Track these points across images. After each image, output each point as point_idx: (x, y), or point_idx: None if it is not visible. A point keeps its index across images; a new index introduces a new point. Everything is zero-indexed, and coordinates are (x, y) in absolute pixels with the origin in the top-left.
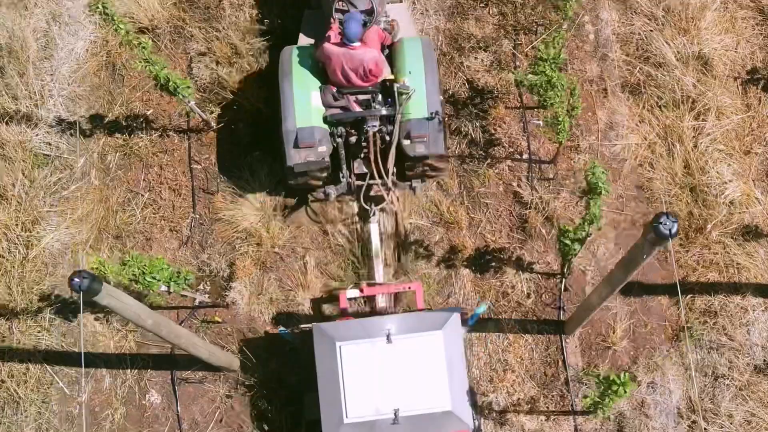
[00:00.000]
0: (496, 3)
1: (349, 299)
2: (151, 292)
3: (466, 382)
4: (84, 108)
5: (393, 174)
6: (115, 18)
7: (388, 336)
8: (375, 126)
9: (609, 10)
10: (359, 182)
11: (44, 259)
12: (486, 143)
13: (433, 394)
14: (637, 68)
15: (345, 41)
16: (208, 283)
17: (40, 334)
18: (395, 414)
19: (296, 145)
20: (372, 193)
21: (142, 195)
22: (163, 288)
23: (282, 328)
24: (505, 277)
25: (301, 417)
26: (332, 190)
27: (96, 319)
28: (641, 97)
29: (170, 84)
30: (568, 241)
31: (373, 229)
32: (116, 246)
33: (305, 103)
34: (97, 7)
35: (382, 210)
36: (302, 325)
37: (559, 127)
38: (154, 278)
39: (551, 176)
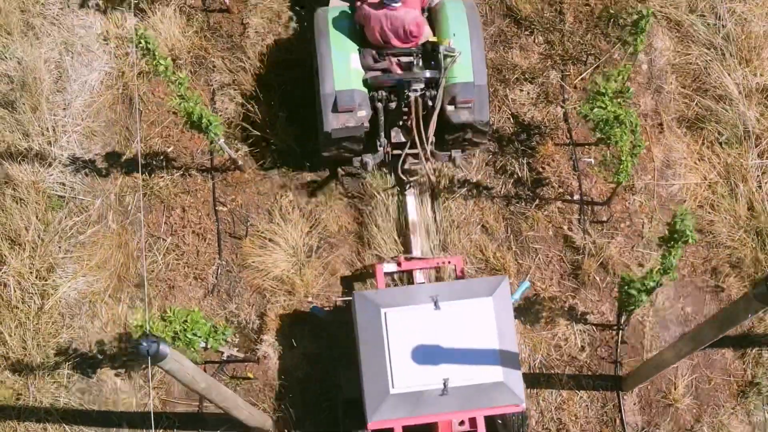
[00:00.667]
0: (542, 31)
1: (386, 274)
2: (192, 350)
3: (517, 354)
4: (99, 145)
5: (432, 144)
6: (157, 53)
7: (435, 302)
8: (417, 90)
9: (663, 38)
10: (396, 152)
11: (60, 309)
12: (534, 183)
13: (483, 365)
14: (695, 101)
15: (385, 2)
16: (236, 335)
17: (58, 391)
18: (444, 384)
19: (335, 110)
20: (407, 166)
21: (164, 239)
22: (201, 344)
23: (314, 304)
24: (557, 328)
25: (336, 398)
26: (370, 159)
27: (117, 375)
28: (700, 133)
29: (203, 122)
30: (634, 291)
31: (410, 201)
32: (137, 296)
33: (344, 65)
34: (139, 42)
35: (419, 182)
36: (339, 299)
37: (621, 167)
38: (195, 335)
39: (605, 219)
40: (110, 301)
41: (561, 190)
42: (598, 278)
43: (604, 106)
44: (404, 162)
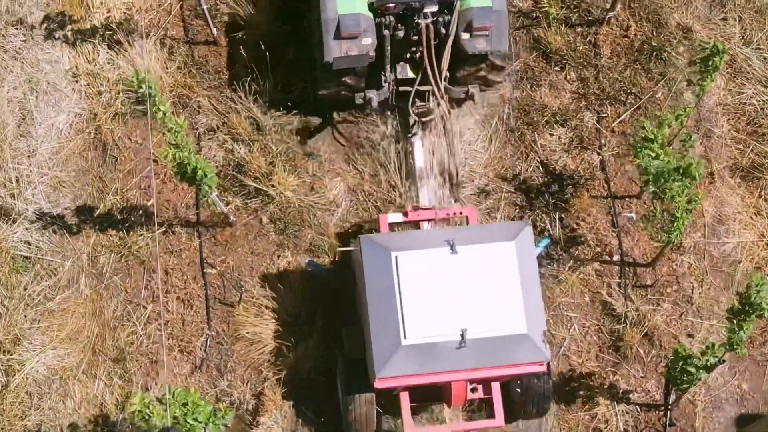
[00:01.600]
0: (575, 66)
1: (391, 225)
2: None
3: (542, 305)
4: (69, 198)
5: (445, 79)
6: (157, 99)
7: (452, 245)
8: (429, 15)
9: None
10: (404, 88)
11: (28, 388)
12: (567, 241)
13: (505, 315)
14: (751, 147)
15: None
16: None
17: None
18: (462, 336)
19: (337, 36)
20: (415, 109)
21: (145, 307)
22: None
23: (310, 259)
24: (596, 409)
25: (336, 357)
26: (374, 95)
27: None
28: (757, 184)
29: (198, 173)
30: (692, 369)
31: (417, 145)
32: (115, 372)
33: None
34: (140, 87)
35: (430, 122)
36: (342, 248)
37: (674, 225)
38: (196, 419)
39: (649, 283)
40: (84, 378)
41: (598, 249)
42: (642, 351)
43: (653, 154)
44: (413, 102)
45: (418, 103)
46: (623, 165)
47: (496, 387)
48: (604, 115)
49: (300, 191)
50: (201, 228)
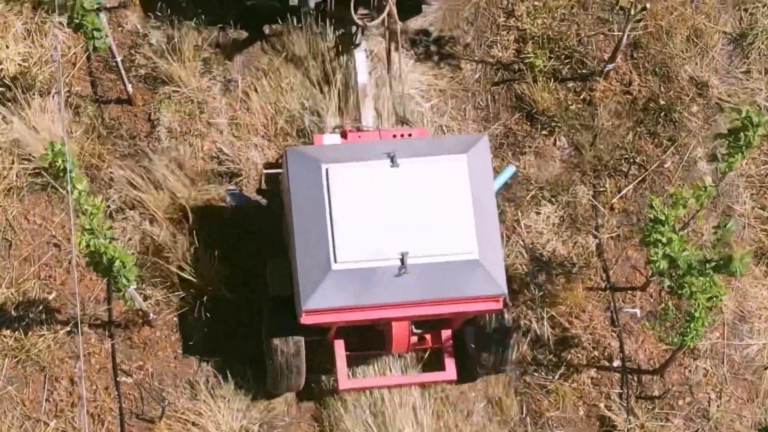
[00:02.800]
0: (566, 130)
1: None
2: None
3: (498, 231)
4: None
5: None
6: (74, 174)
7: (392, 158)
8: None
9: None
10: None
11: None
12: (558, 343)
13: (453, 238)
14: None
15: None
16: None
17: None
18: (402, 260)
19: None
20: (357, 15)
21: (47, 423)
22: None
23: (230, 187)
24: None
25: (262, 297)
26: None
27: None
28: None
29: (115, 265)
30: None
31: (360, 58)
32: None
33: None
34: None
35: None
36: (267, 170)
37: (691, 325)
38: None
39: (657, 394)
40: None
41: (595, 353)
42: None
43: (664, 240)
44: (356, 8)
45: (362, 10)
46: (625, 250)
47: (446, 335)
48: (601, 189)
49: (231, 282)
50: (114, 327)
